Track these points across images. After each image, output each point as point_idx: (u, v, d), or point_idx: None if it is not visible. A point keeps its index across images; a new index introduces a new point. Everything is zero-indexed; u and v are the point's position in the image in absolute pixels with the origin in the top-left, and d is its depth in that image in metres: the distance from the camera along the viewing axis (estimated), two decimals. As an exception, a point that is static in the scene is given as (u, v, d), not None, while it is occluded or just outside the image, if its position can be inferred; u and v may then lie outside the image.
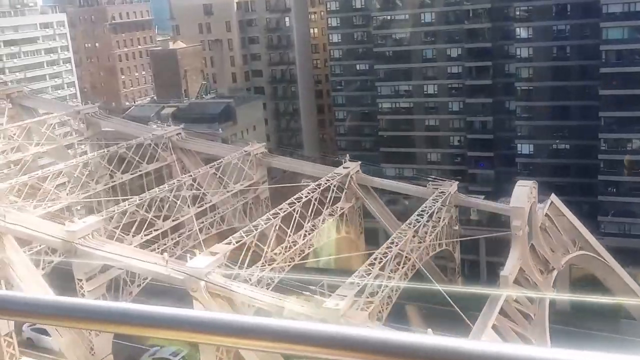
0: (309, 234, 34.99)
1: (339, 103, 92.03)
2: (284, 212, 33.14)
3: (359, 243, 40.41)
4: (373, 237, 42.31)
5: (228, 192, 39.40)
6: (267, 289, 30.74)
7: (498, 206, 35.03)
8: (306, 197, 34.95)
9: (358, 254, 38.46)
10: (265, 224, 31.68)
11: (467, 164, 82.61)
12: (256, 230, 30.93)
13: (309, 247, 35.11)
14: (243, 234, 30.60)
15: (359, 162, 39.93)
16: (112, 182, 40.47)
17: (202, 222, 37.81)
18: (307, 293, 27.08)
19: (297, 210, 33.83)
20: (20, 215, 33.15)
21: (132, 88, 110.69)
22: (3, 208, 32.27)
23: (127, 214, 32.90)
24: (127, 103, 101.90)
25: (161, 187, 35.85)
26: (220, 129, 67.68)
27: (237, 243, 29.82)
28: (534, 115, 77.78)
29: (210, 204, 38.14)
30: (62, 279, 34.09)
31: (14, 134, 42.52)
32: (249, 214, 41.49)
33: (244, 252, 30.14)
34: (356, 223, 39.87)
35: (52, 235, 30.49)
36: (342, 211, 37.84)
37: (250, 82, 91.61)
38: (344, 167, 38.99)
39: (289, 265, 33.16)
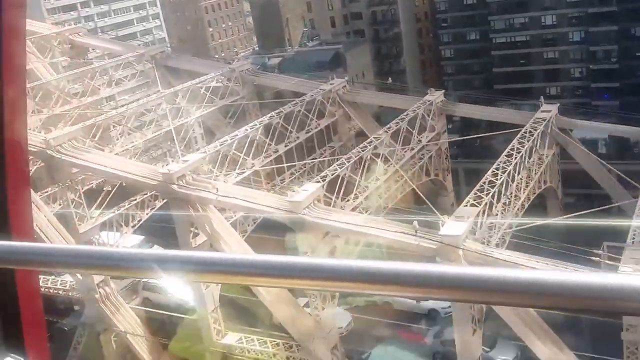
0: (525, 186, 32.53)
1: (445, 41, 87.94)
2: (504, 163, 30.68)
3: (559, 192, 37.82)
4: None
5: (415, 146, 36.99)
6: (503, 248, 28.65)
7: None
8: (518, 147, 32.34)
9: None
10: (496, 180, 29.29)
11: (589, 96, 78.12)
12: (492, 188, 28.58)
13: (528, 200, 32.72)
14: (480, 193, 28.30)
15: (557, 104, 36.94)
16: (289, 142, 38.54)
17: (397, 180, 35.62)
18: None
19: (514, 163, 31.27)
20: (225, 186, 31.61)
21: (220, 40, 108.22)
22: (215, 181, 30.75)
23: (340, 178, 30.89)
24: (217, 56, 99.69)
25: (361, 145, 33.66)
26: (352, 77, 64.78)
27: (478, 204, 27.54)
28: (666, 40, 72.80)
29: (404, 160, 35.85)
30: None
31: (176, 98, 40.78)
32: (432, 169, 39.19)
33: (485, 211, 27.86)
34: (555, 170, 37.15)
35: (278, 208, 28.77)
36: (547, 159, 35.15)
37: (349, 26, 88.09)
38: (542, 111, 36.06)
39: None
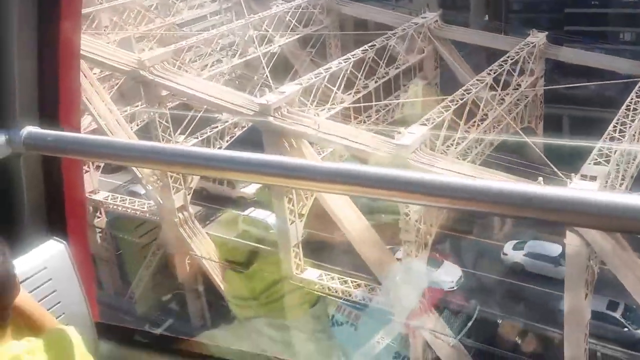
0: None
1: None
2: (624, 117, 28.86)
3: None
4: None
5: (513, 92, 35.04)
6: None
7: None
8: (637, 100, 30.37)
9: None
10: (620, 136, 27.56)
11: (666, 44, 74.18)
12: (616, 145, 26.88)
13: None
14: (604, 150, 26.60)
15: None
16: (378, 78, 36.74)
17: (495, 127, 33.85)
18: None
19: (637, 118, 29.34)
20: (325, 122, 30.28)
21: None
22: (316, 118, 29.43)
23: (445, 122, 29.31)
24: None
25: (464, 88, 31.86)
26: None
27: (606, 162, 25.82)
28: None
29: (505, 105, 33.99)
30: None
31: (262, 25, 38.93)
32: (527, 116, 37.30)
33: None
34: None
35: (384, 151, 27.38)
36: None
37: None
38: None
39: None
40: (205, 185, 38.09)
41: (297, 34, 41.09)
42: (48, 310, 2.55)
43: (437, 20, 39.72)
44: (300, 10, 40.67)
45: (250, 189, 36.83)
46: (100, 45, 33.82)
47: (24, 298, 2.37)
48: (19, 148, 2.23)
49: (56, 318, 2.60)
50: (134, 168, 34.33)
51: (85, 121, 36.04)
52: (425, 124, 28.64)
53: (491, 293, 30.18)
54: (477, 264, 31.57)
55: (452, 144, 30.06)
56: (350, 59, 34.34)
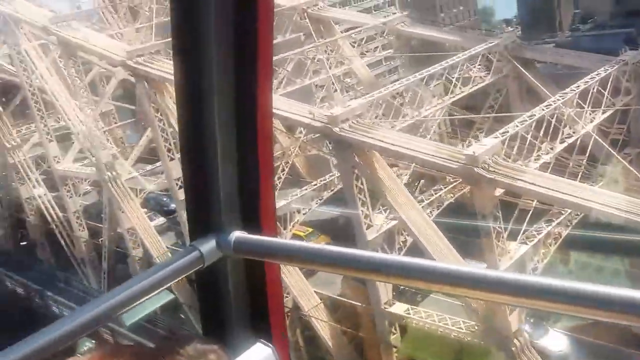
0: None
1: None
2: None
3: None
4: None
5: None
6: None
7: None
8: None
9: None
10: None
11: None
12: None
13: None
14: None
15: None
16: (452, 96, 34.99)
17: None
18: None
19: None
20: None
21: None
22: (494, 157, 26.28)
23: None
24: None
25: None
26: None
27: None
28: None
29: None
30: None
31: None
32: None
33: None
34: None
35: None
36: None
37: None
38: None
39: None
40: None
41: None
42: None
43: (514, 40, 38.27)
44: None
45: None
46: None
47: None
48: (228, 252, 2.30)
49: None
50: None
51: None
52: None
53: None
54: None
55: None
56: (558, 100, 31.61)
